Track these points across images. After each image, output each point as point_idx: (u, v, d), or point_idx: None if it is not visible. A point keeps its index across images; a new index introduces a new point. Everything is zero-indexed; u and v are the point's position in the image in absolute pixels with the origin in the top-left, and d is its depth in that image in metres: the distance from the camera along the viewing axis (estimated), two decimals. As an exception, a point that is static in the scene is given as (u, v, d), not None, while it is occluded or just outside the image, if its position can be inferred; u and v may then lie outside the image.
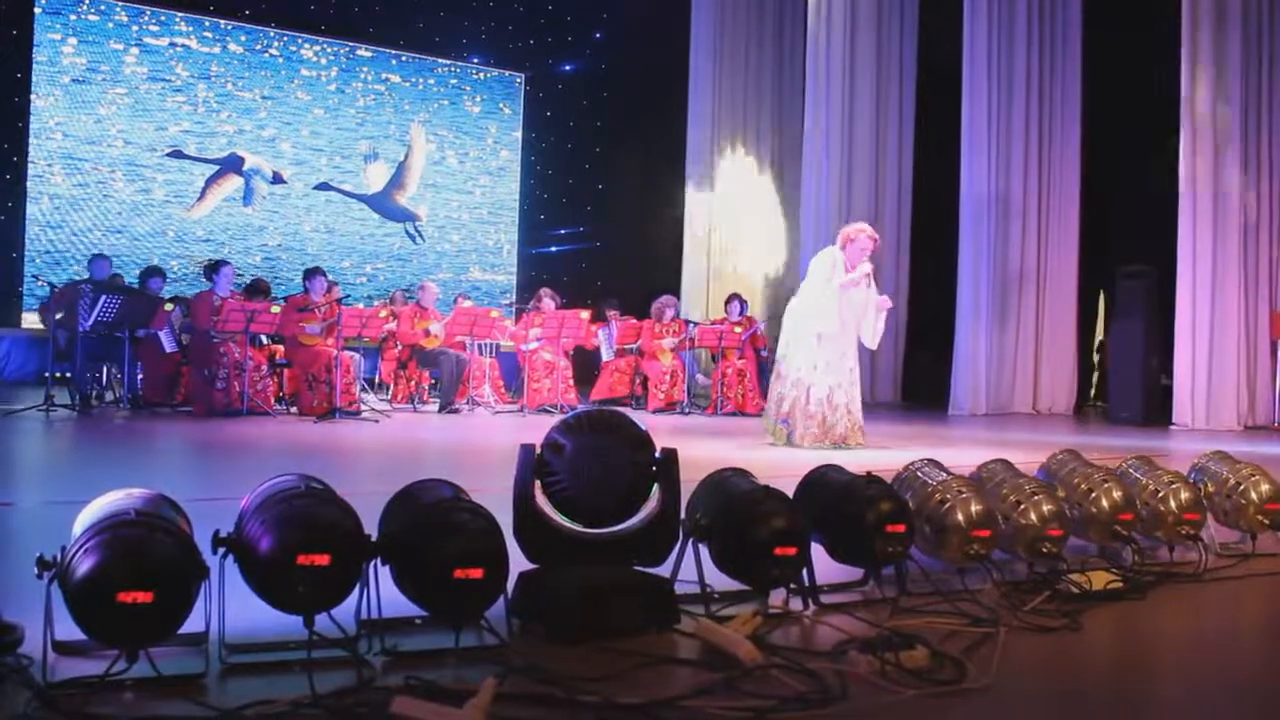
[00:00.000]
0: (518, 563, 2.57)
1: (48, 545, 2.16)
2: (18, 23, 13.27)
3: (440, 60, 16.23)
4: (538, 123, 17.00)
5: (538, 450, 2.75)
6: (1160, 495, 3.57)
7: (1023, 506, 3.22)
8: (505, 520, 2.57)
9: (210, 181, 14.44)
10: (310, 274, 10.06)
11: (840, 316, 7.28)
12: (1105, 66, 13.03)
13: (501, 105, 16.80)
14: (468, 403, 10.51)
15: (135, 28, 13.99)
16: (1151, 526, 3.58)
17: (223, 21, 14.57)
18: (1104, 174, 13.16)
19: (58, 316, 9.20)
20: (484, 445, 7.69)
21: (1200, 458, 4.06)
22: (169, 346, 9.44)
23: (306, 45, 15.18)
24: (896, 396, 13.30)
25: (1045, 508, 3.21)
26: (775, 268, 14.82)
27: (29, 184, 13.30)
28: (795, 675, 2.24)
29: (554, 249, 17.06)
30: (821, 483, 3.14)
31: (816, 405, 7.31)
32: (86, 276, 9.76)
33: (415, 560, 2.36)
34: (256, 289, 10.81)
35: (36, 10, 13.40)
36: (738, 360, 11.35)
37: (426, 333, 10.81)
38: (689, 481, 2.90)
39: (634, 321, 12.07)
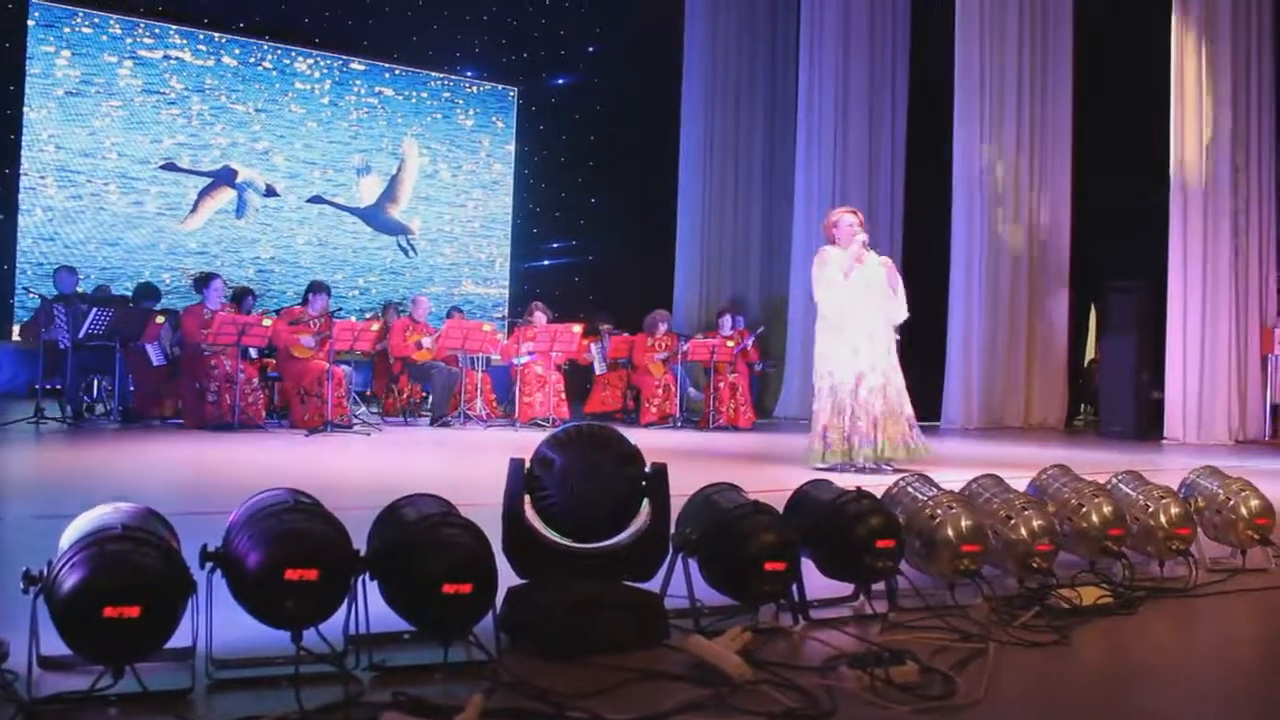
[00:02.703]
0: (507, 578, 2.57)
1: (34, 559, 2.15)
2: (11, 35, 13.27)
3: (433, 73, 16.26)
4: (530, 136, 17.03)
5: (527, 465, 2.74)
6: (1150, 510, 3.58)
7: (1013, 521, 3.22)
8: (495, 535, 2.57)
9: (203, 194, 14.44)
10: (315, 289, 10.02)
11: (853, 297, 6.75)
12: (1097, 81, 13.09)
13: (494, 119, 16.84)
14: (459, 416, 10.50)
15: (129, 40, 14.00)
16: (1141, 541, 3.58)
17: (217, 34, 14.59)
18: (1096, 188, 13.21)
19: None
20: (474, 459, 7.68)
21: (1191, 473, 4.06)
22: (156, 359, 9.41)
23: (300, 58, 15.21)
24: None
25: (1035, 523, 3.21)
26: (767, 283, 14.85)
27: (22, 196, 13.29)
28: (785, 691, 2.23)
29: (546, 263, 17.07)
30: (811, 498, 3.14)
31: (868, 392, 6.70)
32: (54, 294, 9.74)
33: (404, 575, 2.35)
34: (242, 294, 10.80)
35: (30, 23, 13.41)
36: (730, 374, 11.36)
37: (419, 346, 10.80)
38: (679, 496, 2.89)
39: (626, 335, 12.08)
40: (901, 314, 6.94)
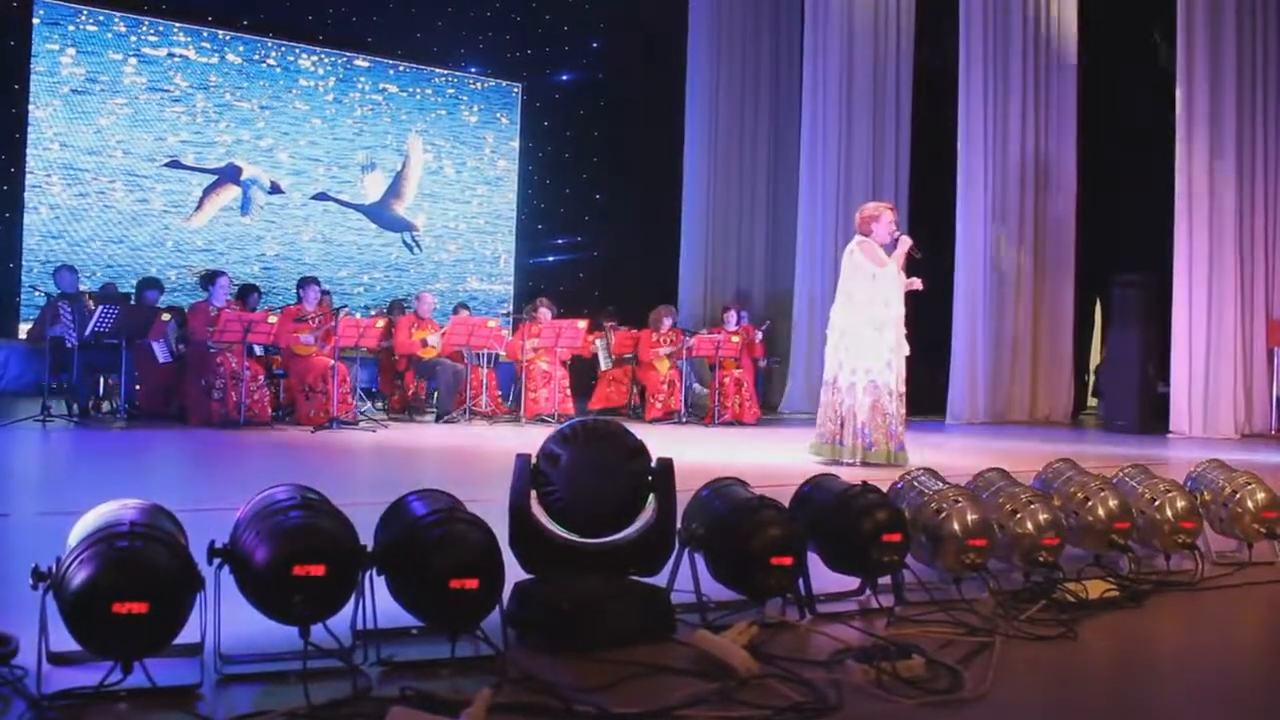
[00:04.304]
0: (514, 573, 2.57)
1: (43, 556, 2.16)
2: (16, 33, 13.28)
3: (437, 70, 16.25)
4: (535, 132, 17.01)
5: (533, 460, 2.75)
6: (1156, 504, 3.57)
7: (1019, 515, 3.22)
8: (501, 531, 2.58)
9: (208, 191, 14.44)
10: (304, 283, 10.08)
11: (895, 296, 6.78)
12: (1101, 74, 13.06)
13: (499, 115, 16.82)
14: (465, 413, 10.51)
15: (134, 38, 14.00)
16: (1148, 535, 3.58)
17: (221, 32, 14.58)
18: (1100, 181, 13.18)
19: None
20: (480, 455, 7.69)
21: (1197, 466, 4.06)
22: (162, 357, 9.43)
23: (304, 55, 15.20)
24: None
25: (1041, 516, 3.21)
26: (772, 278, 14.84)
27: (27, 194, 13.30)
28: (791, 685, 2.24)
29: (551, 259, 17.06)
30: (817, 492, 3.14)
31: (900, 397, 6.75)
32: (59, 292, 9.75)
33: (411, 570, 2.36)
34: (248, 291, 10.81)
35: (35, 21, 13.41)
36: (735, 370, 11.35)
37: (424, 343, 10.81)
38: (685, 491, 2.90)
39: (631, 331, 12.08)
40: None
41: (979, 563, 3.04)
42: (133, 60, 13.97)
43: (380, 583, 2.39)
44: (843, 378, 6.86)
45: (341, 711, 2.01)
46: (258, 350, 9.79)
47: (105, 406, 9.69)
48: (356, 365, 10.07)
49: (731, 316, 11.89)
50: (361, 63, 15.62)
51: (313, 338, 9.56)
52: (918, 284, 6.98)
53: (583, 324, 11.17)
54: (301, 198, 15.11)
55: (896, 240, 6.91)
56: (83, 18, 13.68)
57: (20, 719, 1.95)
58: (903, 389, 6.89)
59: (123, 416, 9.09)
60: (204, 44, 14.47)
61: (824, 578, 3.01)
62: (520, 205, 16.93)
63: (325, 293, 10.95)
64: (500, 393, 11.50)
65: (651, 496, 2.79)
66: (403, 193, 15.89)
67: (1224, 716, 2.33)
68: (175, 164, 14.19)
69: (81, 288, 10.30)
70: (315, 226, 15.21)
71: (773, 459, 7.40)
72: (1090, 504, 3.46)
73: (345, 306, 11.11)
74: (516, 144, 16.93)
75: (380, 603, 2.37)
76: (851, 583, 3.07)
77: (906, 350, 6.93)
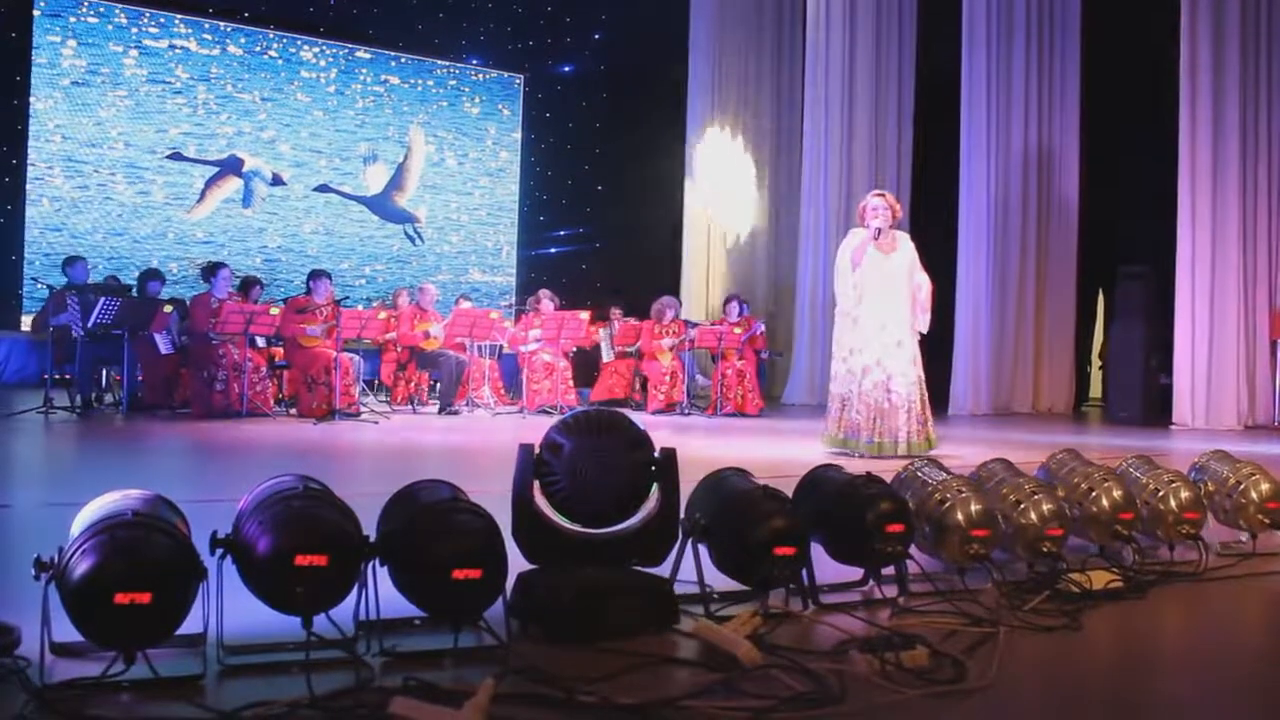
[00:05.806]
0: (516, 563, 2.57)
1: (45, 546, 2.16)
2: (17, 25, 13.26)
3: (439, 62, 16.23)
4: (537, 124, 16.99)
5: (536, 450, 2.74)
6: (1160, 494, 3.57)
7: (1023, 506, 3.22)
8: (504, 521, 2.57)
9: (210, 183, 14.44)
10: (316, 276, 10.06)
11: (863, 286, 6.73)
12: (1104, 67, 13.02)
13: (500, 106, 16.80)
14: (467, 404, 10.51)
15: (135, 30, 13.98)
16: (1152, 526, 3.58)
17: (222, 23, 14.57)
18: (1103, 173, 13.15)
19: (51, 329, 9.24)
20: (483, 446, 7.68)
21: (1200, 457, 4.06)
22: (164, 348, 9.43)
23: (306, 47, 15.18)
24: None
25: (1045, 507, 3.21)
26: (774, 270, 14.83)
27: (29, 186, 13.29)
28: (795, 675, 2.23)
29: (553, 250, 17.05)
30: (821, 482, 3.13)
31: (871, 385, 6.72)
32: (65, 282, 9.74)
33: (414, 561, 2.35)
34: (250, 283, 10.83)
35: (36, 13, 13.40)
36: (737, 361, 11.34)
37: (426, 334, 10.81)
38: (688, 482, 2.89)
39: (634, 322, 12.07)
40: (924, 327, 7.01)
41: (983, 553, 3.04)
42: (134, 52, 13.96)
43: (383, 573, 2.39)
44: (833, 366, 7.02)
45: (344, 702, 2.01)
46: (260, 342, 9.79)
47: (108, 398, 9.69)
48: (359, 356, 10.06)
49: (734, 308, 11.88)
50: (363, 54, 15.60)
51: (320, 329, 9.56)
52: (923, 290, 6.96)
53: (585, 315, 11.16)
54: (303, 189, 15.10)
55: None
56: (83, 10, 13.67)
57: (23, 709, 1.94)
58: (881, 376, 6.76)
59: (125, 408, 9.09)
60: (205, 36, 14.46)
61: (827, 568, 3.00)
62: (522, 197, 16.92)
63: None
64: (503, 384, 11.49)
65: (655, 487, 2.78)
66: (404, 184, 15.88)
67: (1227, 707, 2.33)
68: (177, 156, 14.19)
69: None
70: (317, 218, 15.20)
71: (776, 450, 7.39)
72: (1094, 495, 3.46)
73: (346, 297, 11.11)
74: (518, 135, 16.91)
75: (383, 593, 2.37)
76: (855, 573, 3.07)
77: (898, 336, 6.81)
